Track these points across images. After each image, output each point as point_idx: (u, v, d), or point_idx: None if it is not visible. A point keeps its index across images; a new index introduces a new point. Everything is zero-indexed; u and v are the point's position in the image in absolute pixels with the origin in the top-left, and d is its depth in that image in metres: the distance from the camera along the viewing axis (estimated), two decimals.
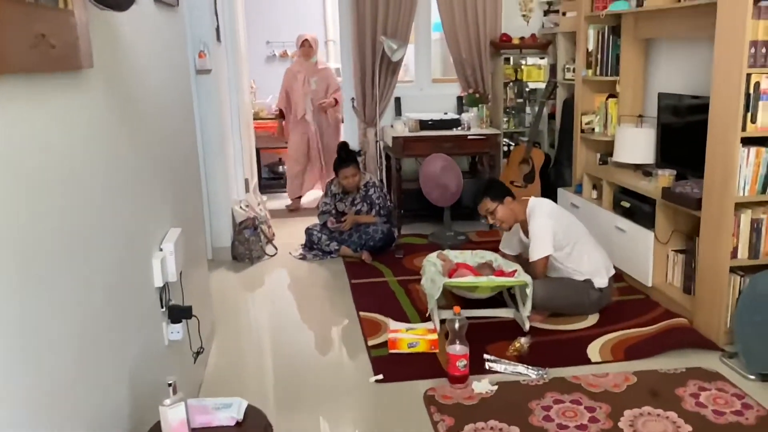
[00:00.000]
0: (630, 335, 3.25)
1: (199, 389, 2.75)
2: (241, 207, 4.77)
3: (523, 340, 3.04)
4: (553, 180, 5.09)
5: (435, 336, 3.07)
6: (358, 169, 4.60)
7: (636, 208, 3.81)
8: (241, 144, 5.38)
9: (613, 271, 3.52)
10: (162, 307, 2.14)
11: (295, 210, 5.99)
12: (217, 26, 4.49)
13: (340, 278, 4.17)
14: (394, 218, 4.92)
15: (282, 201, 6.23)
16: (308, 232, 4.63)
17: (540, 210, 3.38)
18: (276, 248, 4.74)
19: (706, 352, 3.06)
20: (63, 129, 1.41)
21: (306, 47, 5.83)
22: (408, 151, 5.06)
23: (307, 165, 6.03)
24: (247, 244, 4.45)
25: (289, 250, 4.72)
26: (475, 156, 5.55)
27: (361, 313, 3.53)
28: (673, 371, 2.86)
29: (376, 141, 5.43)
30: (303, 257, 4.57)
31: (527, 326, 3.25)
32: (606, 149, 4.58)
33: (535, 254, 3.34)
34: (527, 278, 3.15)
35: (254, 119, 6.46)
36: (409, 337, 3.05)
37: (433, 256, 3.64)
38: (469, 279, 3.14)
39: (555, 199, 4.82)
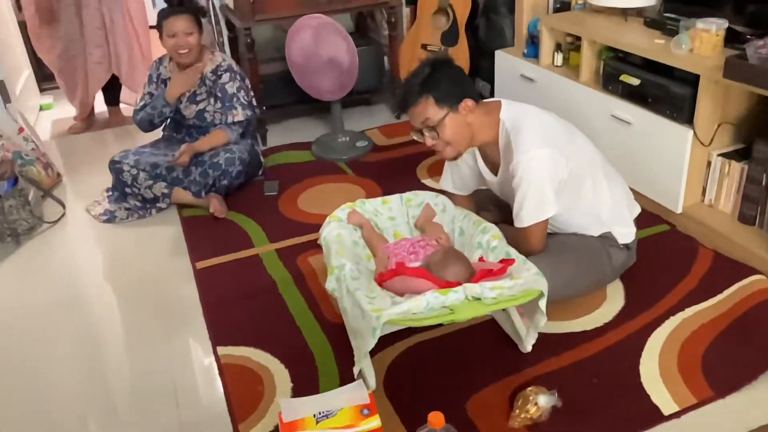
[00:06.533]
0: (688, 320, 1.90)
1: None
2: None
3: (542, 399, 1.58)
4: (484, 38, 3.44)
5: (375, 423, 1.53)
6: (198, 26, 2.73)
7: (653, 87, 2.32)
8: None
9: (638, 210, 2.09)
10: None
11: (86, 129, 3.82)
12: None
13: (176, 255, 2.44)
14: (257, 129, 3.13)
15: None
16: (115, 167, 2.75)
17: (532, 130, 1.78)
18: (63, 205, 2.86)
19: None
20: None
21: None
22: (261, 12, 3.16)
23: (85, 53, 3.61)
24: (2, 213, 2.54)
25: (87, 203, 2.87)
26: (363, 10, 3.73)
27: (221, 351, 1.90)
28: None
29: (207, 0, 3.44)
30: (109, 217, 2.74)
31: (528, 347, 1.80)
32: None
33: (531, 216, 1.80)
34: (540, 282, 1.60)
35: None
36: None
37: (341, 216, 2.02)
38: (429, 298, 1.54)
39: (491, 67, 3.26)
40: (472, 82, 1.91)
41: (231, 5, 3.23)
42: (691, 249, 2.23)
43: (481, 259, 1.77)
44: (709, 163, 2.27)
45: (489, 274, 1.61)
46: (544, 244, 1.87)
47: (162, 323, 2.08)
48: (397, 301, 1.60)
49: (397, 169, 2.99)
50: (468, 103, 1.82)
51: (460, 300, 1.54)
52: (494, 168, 1.98)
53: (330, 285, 1.77)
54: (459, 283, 1.59)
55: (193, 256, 2.40)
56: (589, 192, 1.91)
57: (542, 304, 1.60)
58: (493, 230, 1.85)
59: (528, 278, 1.59)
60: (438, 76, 1.82)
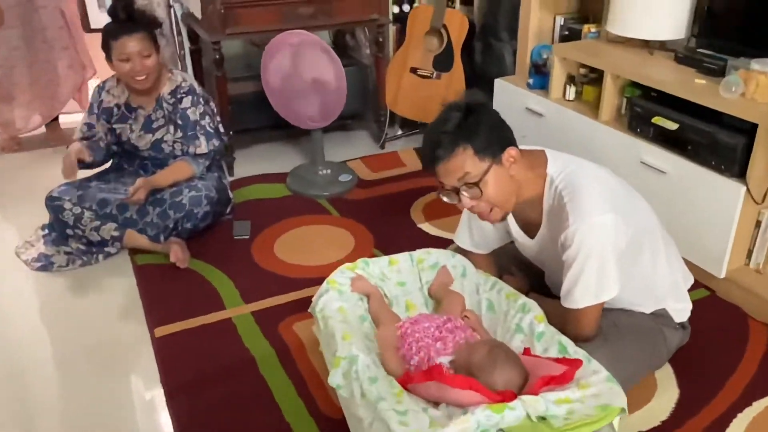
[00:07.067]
0: (759, 419, 1.60)
1: None
2: None
3: None
4: (480, 64, 3.12)
5: None
6: (155, 44, 2.29)
7: (694, 133, 2.03)
8: None
9: (692, 280, 1.78)
10: None
11: (17, 149, 3.27)
12: None
13: (129, 316, 2.00)
14: (223, 158, 2.70)
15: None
16: (54, 205, 2.28)
17: (591, 192, 1.44)
18: None
19: None
20: None
21: None
22: (234, 25, 2.74)
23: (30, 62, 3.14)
24: None
25: (16, 245, 2.38)
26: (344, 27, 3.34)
27: None
28: None
29: (170, 6, 3.00)
30: (44, 264, 2.26)
31: None
32: (578, 7, 2.73)
33: (588, 296, 1.45)
34: (617, 395, 1.24)
35: None
36: None
37: (341, 282, 1.64)
38: (480, 417, 1.17)
39: (489, 96, 2.94)
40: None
41: (197, 15, 2.81)
42: (740, 322, 1.95)
43: (527, 352, 1.42)
44: (758, 222, 1.99)
45: (551, 381, 1.25)
46: (597, 330, 1.53)
47: (111, 412, 1.64)
48: (433, 415, 1.23)
49: (387, 210, 2.62)
50: (512, 152, 1.48)
51: (520, 419, 1.18)
52: (529, 230, 1.63)
53: (335, 381, 1.38)
54: (513, 394, 1.23)
55: (151, 320, 1.96)
56: (646, 263, 1.58)
57: (617, 423, 1.25)
58: (535, 309, 1.51)
59: (601, 388, 1.24)
60: (473, 121, 1.46)
